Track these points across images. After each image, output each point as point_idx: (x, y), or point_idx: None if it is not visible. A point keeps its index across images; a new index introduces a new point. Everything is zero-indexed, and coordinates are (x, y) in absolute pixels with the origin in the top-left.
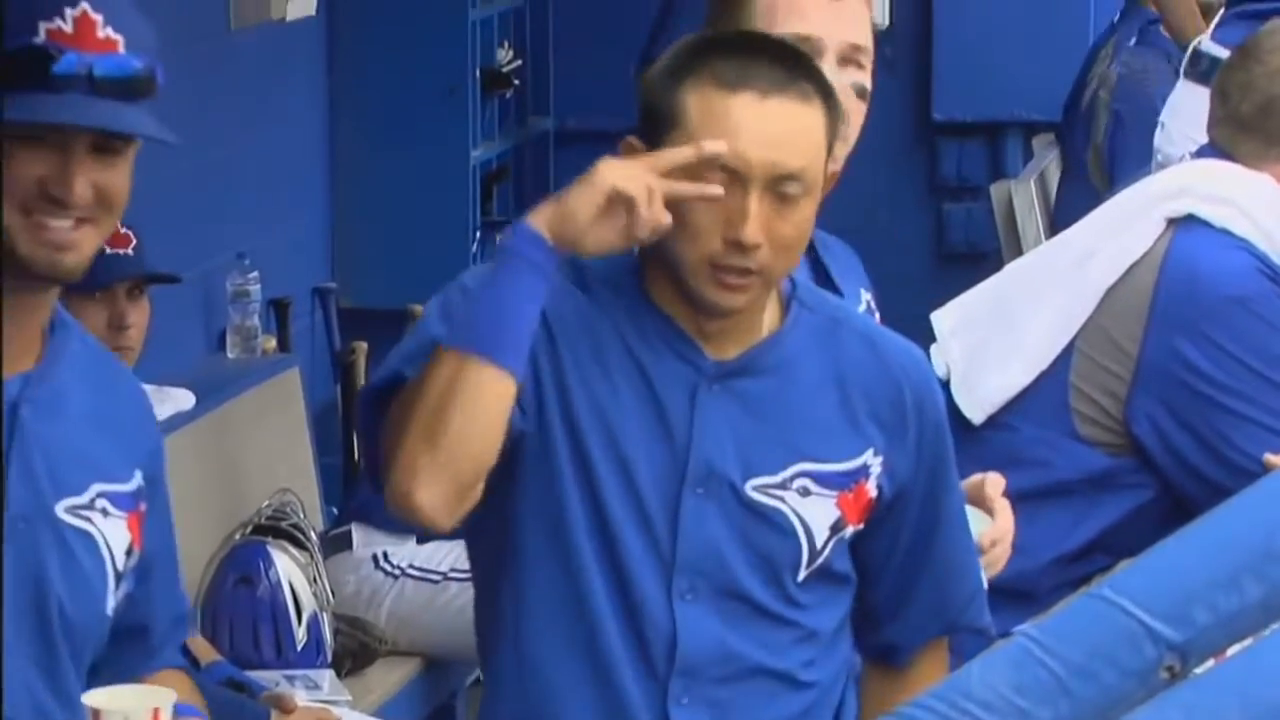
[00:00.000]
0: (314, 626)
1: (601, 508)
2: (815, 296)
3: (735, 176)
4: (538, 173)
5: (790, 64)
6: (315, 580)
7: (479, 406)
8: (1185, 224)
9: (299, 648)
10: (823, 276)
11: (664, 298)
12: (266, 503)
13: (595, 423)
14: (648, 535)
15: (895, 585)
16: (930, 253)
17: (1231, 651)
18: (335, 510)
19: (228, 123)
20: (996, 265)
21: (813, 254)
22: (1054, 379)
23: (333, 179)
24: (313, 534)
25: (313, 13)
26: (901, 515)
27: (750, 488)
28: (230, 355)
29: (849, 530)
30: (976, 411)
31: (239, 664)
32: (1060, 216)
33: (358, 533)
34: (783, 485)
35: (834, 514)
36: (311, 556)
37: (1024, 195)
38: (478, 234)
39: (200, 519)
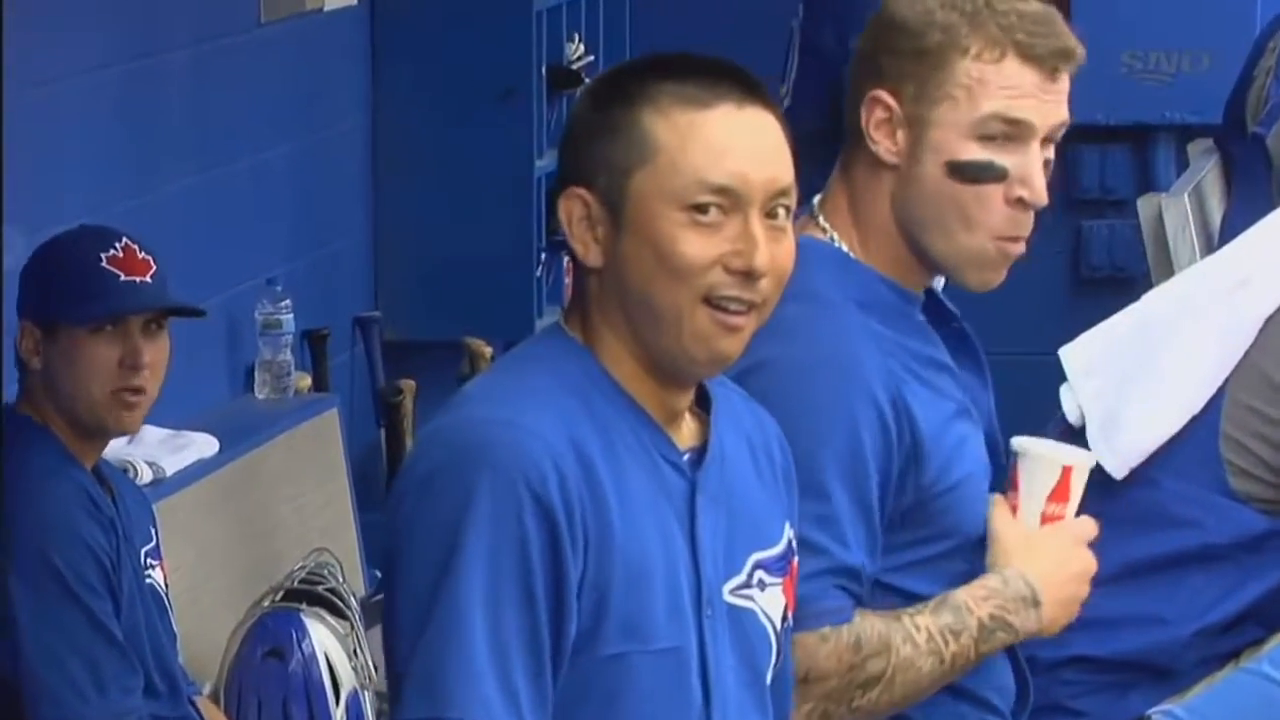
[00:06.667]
0: (354, 706)
1: (649, 665)
2: None
3: (732, 200)
4: None
5: (741, 75)
6: (356, 653)
7: None
8: None
9: None
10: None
11: (626, 373)
12: (300, 564)
13: (633, 588)
14: (687, 679)
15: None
16: (1066, 277)
17: None
18: (379, 573)
19: (256, 129)
20: (1144, 292)
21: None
22: (1204, 426)
23: (376, 193)
24: (353, 600)
25: (354, 2)
26: None
27: (728, 592)
28: (259, 395)
29: (790, 617)
30: (1118, 465)
31: None
32: (1226, 236)
33: None
34: (748, 583)
35: (782, 602)
36: (352, 626)
37: (1177, 210)
38: (543, 256)
39: (225, 583)
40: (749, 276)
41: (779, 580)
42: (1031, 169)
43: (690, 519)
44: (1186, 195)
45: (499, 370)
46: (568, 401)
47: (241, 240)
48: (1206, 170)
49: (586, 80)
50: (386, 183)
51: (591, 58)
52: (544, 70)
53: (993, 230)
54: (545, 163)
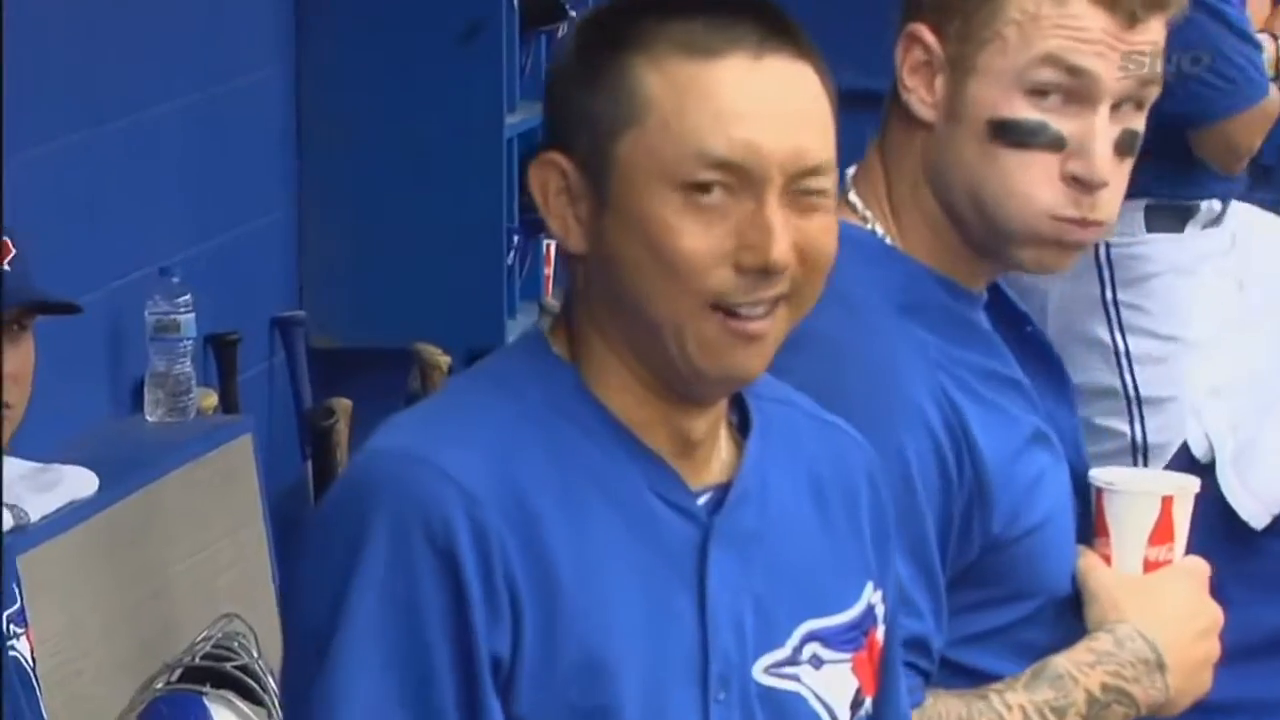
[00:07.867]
0: None
1: None
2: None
3: (741, 177)
4: None
5: (765, 15)
6: None
7: None
8: None
9: None
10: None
11: (620, 392)
12: (203, 634)
13: (591, 668)
14: None
15: None
16: None
17: None
18: None
19: (147, 77)
20: None
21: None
22: None
23: (300, 160)
24: (270, 680)
25: None
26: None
27: (761, 670)
28: (150, 418)
29: (867, 703)
30: (1258, 511)
31: None
32: None
33: None
34: (793, 659)
35: (852, 685)
36: (269, 714)
37: None
38: (515, 239)
39: (106, 657)
40: (765, 274)
41: (845, 656)
42: (1093, 139)
43: (700, 576)
44: None
45: (448, 391)
46: (518, 437)
47: (128, 219)
48: None
49: (572, 14)
50: (313, 147)
51: None
52: (516, 1)
53: (1046, 208)
54: (518, 119)
